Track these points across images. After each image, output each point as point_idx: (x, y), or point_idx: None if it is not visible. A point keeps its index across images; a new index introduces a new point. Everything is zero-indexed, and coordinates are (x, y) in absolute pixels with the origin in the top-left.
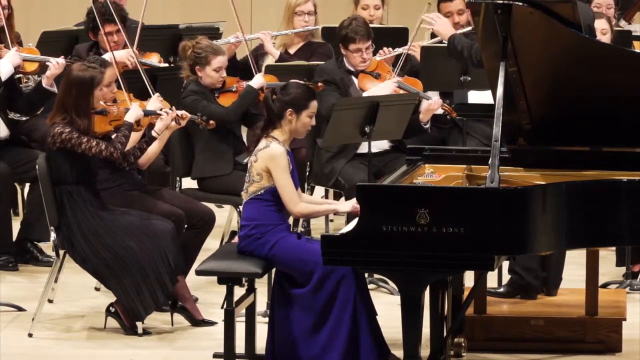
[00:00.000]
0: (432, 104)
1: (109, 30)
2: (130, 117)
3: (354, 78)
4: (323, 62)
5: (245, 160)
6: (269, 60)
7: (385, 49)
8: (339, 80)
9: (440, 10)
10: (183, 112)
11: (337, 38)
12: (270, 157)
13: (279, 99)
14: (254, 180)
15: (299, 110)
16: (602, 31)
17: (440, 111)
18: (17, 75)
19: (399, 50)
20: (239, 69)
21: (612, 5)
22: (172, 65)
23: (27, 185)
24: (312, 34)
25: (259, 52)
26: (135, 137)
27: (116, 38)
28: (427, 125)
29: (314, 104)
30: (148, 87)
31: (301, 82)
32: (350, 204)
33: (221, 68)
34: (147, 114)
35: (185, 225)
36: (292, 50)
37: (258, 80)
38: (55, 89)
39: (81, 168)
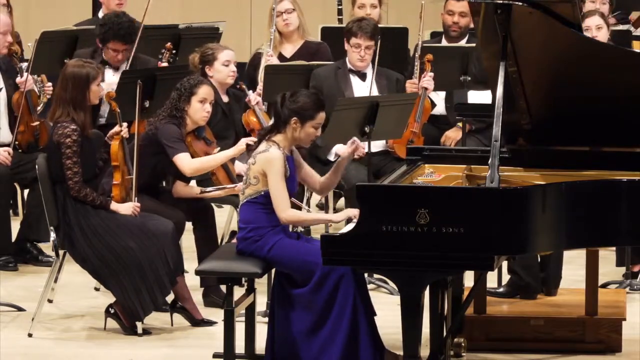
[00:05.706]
0: None
1: (116, 48)
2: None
3: (355, 78)
4: (322, 62)
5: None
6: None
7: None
8: (329, 86)
9: (445, 5)
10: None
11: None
12: (267, 161)
13: (287, 105)
14: (250, 183)
15: (304, 120)
16: (597, 27)
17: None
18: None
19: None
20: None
21: (606, 0)
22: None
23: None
24: (305, 30)
25: (257, 63)
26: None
27: (120, 57)
28: None
29: (320, 116)
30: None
31: (312, 92)
32: (343, 215)
33: (230, 62)
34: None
35: (192, 226)
36: (287, 53)
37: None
38: None
39: (81, 168)
